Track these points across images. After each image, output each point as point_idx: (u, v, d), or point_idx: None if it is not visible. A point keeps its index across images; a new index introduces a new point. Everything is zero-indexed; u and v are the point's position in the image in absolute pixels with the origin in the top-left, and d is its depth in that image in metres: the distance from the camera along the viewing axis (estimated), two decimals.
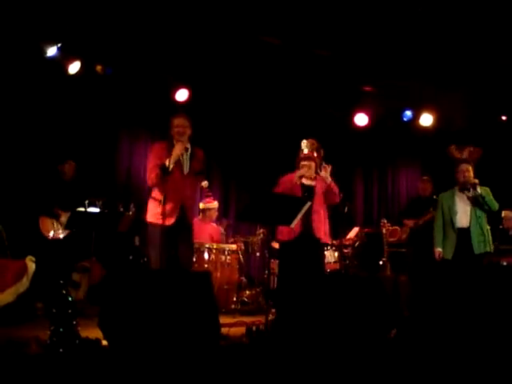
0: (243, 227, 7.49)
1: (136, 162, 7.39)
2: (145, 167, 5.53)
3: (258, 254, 6.89)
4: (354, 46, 6.50)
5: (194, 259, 5.78)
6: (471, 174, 5.48)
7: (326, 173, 5.02)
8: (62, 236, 5.67)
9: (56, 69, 6.36)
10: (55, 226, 5.70)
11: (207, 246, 6.35)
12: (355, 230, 7.32)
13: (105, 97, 7.01)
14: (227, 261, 6.41)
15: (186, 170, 4.66)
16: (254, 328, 4.30)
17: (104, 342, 3.52)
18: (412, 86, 7.32)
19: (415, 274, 6.37)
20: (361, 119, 7.99)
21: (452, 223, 5.45)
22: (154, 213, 4.58)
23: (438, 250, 5.48)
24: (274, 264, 5.94)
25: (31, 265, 4.54)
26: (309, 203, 4.42)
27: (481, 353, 3.49)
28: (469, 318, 4.28)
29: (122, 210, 5.78)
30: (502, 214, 6.79)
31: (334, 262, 6.65)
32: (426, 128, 7.94)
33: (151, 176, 4.60)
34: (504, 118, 7.87)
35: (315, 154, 5.18)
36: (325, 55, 6.74)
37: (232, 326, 4.55)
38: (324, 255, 5.53)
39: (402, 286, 6.28)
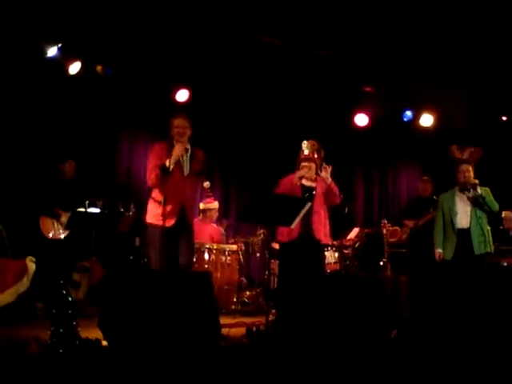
0: (243, 228, 7.49)
1: (136, 162, 7.39)
2: (145, 167, 5.53)
3: (258, 254, 6.88)
4: (354, 46, 6.50)
5: (195, 259, 5.78)
6: (471, 174, 5.47)
7: (326, 173, 5.02)
8: (62, 236, 5.67)
9: (56, 69, 6.36)
10: (56, 226, 5.70)
11: (207, 246, 6.35)
12: (355, 230, 7.32)
13: (105, 97, 7.01)
14: (227, 261, 6.40)
15: (186, 170, 4.66)
16: (254, 329, 4.29)
17: (104, 343, 3.53)
18: (412, 86, 7.32)
19: (415, 275, 6.37)
20: (361, 119, 7.98)
21: (452, 224, 5.45)
22: (153, 214, 4.58)
23: (439, 251, 5.48)
24: (275, 264, 5.93)
25: (31, 265, 4.54)
26: (309, 204, 4.42)
27: (481, 353, 3.49)
28: (469, 319, 4.28)
29: (122, 210, 5.78)
30: (503, 215, 6.79)
31: (335, 263, 6.64)
32: (426, 128, 7.94)
33: (151, 176, 4.59)
34: (504, 118, 7.87)
35: (316, 155, 5.18)
36: (325, 55, 6.74)
37: (232, 326, 4.55)
38: (324, 256, 5.53)
39: (403, 286, 6.27)
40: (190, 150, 4.70)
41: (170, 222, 4.50)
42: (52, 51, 6.18)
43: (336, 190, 5.09)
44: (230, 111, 7.69)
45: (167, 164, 4.46)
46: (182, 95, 7.15)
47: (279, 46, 6.52)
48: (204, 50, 6.49)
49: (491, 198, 5.41)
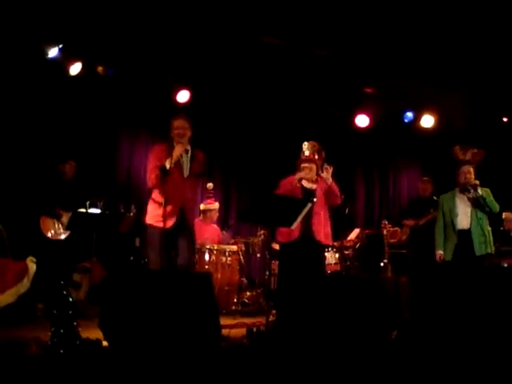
0: (244, 228, 7.49)
1: (136, 162, 7.39)
2: (145, 168, 5.53)
3: (258, 255, 6.88)
4: (354, 46, 6.50)
5: (195, 260, 5.78)
6: (472, 175, 5.47)
7: (327, 174, 5.01)
8: (62, 236, 5.67)
9: (57, 70, 6.36)
10: (56, 226, 5.70)
11: (208, 247, 6.35)
12: (356, 231, 7.32)
13: (105, 97, 7.02)
14: (228, 262, 6.40)
15: (186, 172, 4.66)
16: (254, 329, 4.29)
17: (104, 343, 3.53)
18: (412, 86, 7.32)
19: (416, 276, 6.36)
20: (362, 120, 7.98)
21: (453, 225, 5.44)
22: (153, 215, 4.58)
23: (439, 252, 5.48)
24: (275, 265, 5.93)
25: (32, 265, 4.52)
26: (309, 205, 4.41)
27: (481, 354, 3.49)
28: (469, 320, 4.28)
29: (122, 211, 5.78)
30: (503, 216, 6.79)
31: (335, 264, 6.64)
32: (426, 129, 7.94)
33: (151, 177, 4.59)
34: (505, 119, 7.87)
35: (316, 156, 5.17)
36: (325, 55, 6.74)
37: (233, 327, 4.55)
38: (324, 257, 5.53)
39: (403, 287, 6.26)
40: (190, 151, 4.70)
41: (170, 223, 4.49)
42: (53, 52, 6.18)
43: (337, 190, 5.09)
44: (231, 112, 7.69)
45: (167, 165, 4.46)
46: (183, 96, 7.16)
47: (279, 46, 6.52)
48: (204, 51, 6.49)
49: (492, 198, 5.40)
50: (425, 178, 6.99)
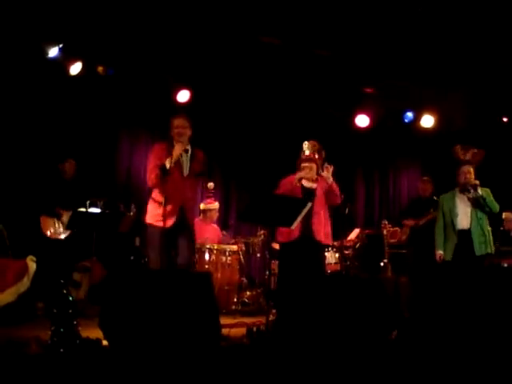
0: (244, 228, 7.49)
1: (136, 162, 7.40)
2: (145, 168, 5.54)
3: (258, 254, 6.88)
4: (355, 46, 6.50)
5: (195, 260, 5.78)
6: (472, 175, 5.47)
7: (327, 173, 5.01)
8: (63, 236, 5.67)
9: (57, 70, 6.37)
10: (56, 225, 5.70)
11: (208, 246, 6.35)
12: (356, 231, 7.32)
13: (105, 97, 7.02)
14: (228, 261, 6.41)
15: (185, 171, 4.66)
16: (254, 329, 4.29)
17: (105, 342, 3.53)
18: (412, 86, 7.32)
19: (416, 276, 6.36)
20: (362, 120, 7.99)
21: (453, 225, 5.45)
22: (153, 214, 4.58)
23: (440, 252, 5.48)
24: (275, 265, 5.93)
25: (32, 264, 4.53)
26: (309, 205, 4.41)
27: (481, 354, 3.49)
28: (469, 320, 4.28)
29: (123, 210, 5.78)
30: (503, 216, 6.79)
31: (335, 263, 6.65)
32: (426, 129, 7.94)
33: (151, 177, 4.59)
34: (505, 119, 7.87)
35: (316, 156, 5.17)
36: (325, 55, 6.74)
37: (233, 326, 4.54)
38: (324, 257, 5.53)
39: (403, 287, 6.27)
40: (190, 151, 4.69)
41: (170, 223, 4.49)
42: (53, 52, 6.19)
43: (337, 190, 5.08)
44: (231, 112, 7.69)
45: (167, 164, 4.46)
46: (183, 96, 7.16)
47: (279, 46, 6.53)
48: (204, 51, 6.49)
49: (492, 198, 5.41)
50: (425, 178, 6.98)
